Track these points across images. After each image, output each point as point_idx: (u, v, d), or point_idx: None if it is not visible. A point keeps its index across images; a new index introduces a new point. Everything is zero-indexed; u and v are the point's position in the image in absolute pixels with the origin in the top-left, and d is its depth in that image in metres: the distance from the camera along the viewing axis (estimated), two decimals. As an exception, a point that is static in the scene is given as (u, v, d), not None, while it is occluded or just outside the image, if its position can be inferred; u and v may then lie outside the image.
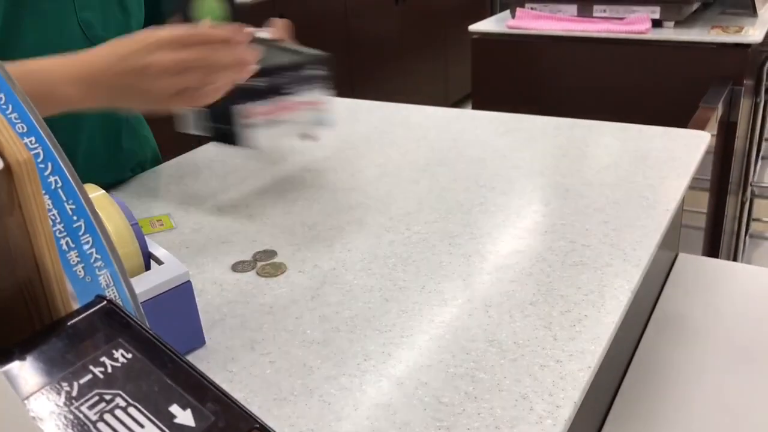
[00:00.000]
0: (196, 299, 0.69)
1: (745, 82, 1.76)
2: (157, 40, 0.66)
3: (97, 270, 0.41)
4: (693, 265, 1.07)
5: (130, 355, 0.35)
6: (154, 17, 0.97)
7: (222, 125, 0.83)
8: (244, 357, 0.61)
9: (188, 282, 0.59)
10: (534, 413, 0.52)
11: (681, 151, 0.98)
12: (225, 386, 0.57)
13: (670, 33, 1.80)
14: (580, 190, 0.88)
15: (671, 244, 1.09)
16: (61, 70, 0.68)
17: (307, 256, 0.76)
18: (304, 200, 0.90)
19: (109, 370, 0.34)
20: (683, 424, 0.78)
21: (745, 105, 1.87)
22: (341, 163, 1.01)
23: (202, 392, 0.34)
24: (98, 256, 0.41)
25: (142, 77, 0.66)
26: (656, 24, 1.83)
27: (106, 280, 0.42)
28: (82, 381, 0.33)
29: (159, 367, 0.35)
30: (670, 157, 0.96)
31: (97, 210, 0.58)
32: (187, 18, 0.74)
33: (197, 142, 1.13)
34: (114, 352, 0.35)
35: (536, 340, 0.60)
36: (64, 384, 0.32)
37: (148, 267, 0.61)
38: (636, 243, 0.75)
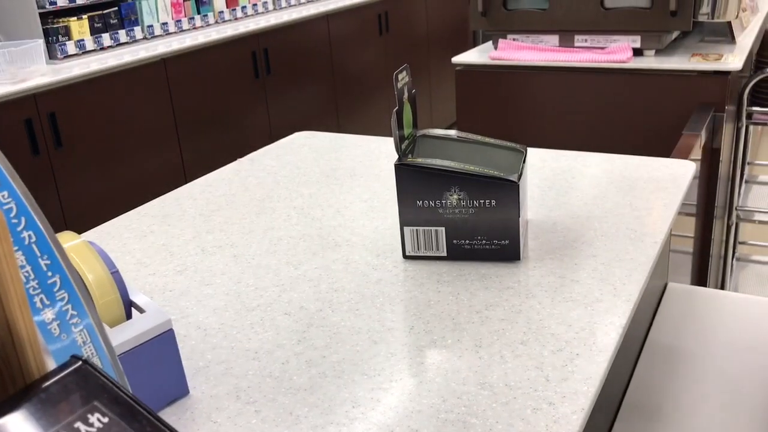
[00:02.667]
0: (179, 345, 0.67)
1: (726, 107, 1.78)
2: None
3: (73, 327, 0.40)
4: (682, 294, 1.06)
5: (106, 419, 0.33)
6: None
7: None
8: (229, 406, 0.59)
9: (170, 330, 0.58)
10: (528, 460, 0.51)
11: (666, 181, 0.98)
12: (209, 438, 0.55)
13: (651, 61, 1.81)
14: (568, 223, 0.88)
15: (660, 273, 1.08)
16: None
17: (293, 297, 0.75)
18: (289, 239, 0.89)
19: (84, 436, 0.32)
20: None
21: (727, 130, 1.88)
22: (327, 199, 1.01)
23: (183, 457, 0.33)
24: (74, 312, 0.40)
25: None
26: (637, 53, 1.85)
27: (82, 337, 0.40)
28: (55, 450, 0.31)
29: (137, 430, 0.34)
30: (656, 188, 0.96)
31: (76, 260, 0.57)
32: (399, 120, 0.77)
33: (185, 178, 1.12)
34: (89, 416, 0.33)
35: (528, 381, 0.59)
36: (36, 454, 0.31)
37: (129, 315, 0.59)
38: (625, 277, 0.75)
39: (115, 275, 0.58)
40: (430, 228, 0.79)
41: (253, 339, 0.68)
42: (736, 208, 2.25)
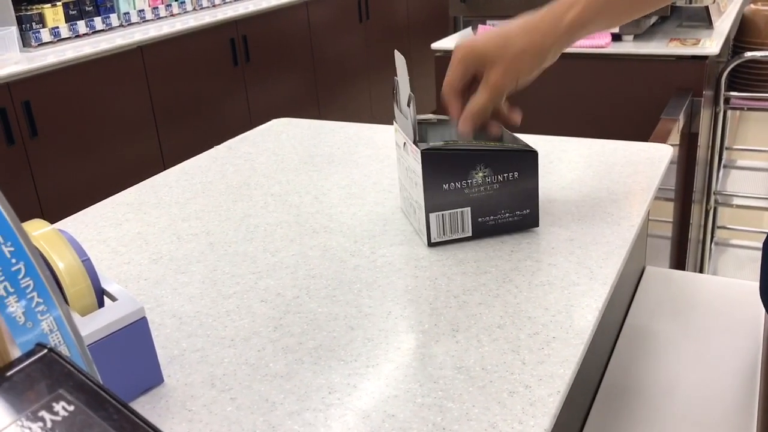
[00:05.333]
0: (154, 334, 0.67)
1: (704, 92, 1.79)
2: None
3: (39, 315, 0.39)
4: (660, 278, 1.07)
5: (72, 408, 0.33)
6: None
7: None
8: (204, 394, 0.58)
9: (143, 318, 0.57)
10: (504, 443, 0.51)
11: (644, 165, 0.99)
12: (184, 426, 0.55)
13: (629, 46, 1.82)
14: (546, 207, 0.88)
15: (638, 257, 1.09)
16: None
17: (269, 284, 0.75)
18: (266, 225, 0.88)
19: (49, 425, 0.32)
20: (656, 442, 0.78)
21: (705, 115, 1.89)
22: (304, 186, 1.00)
23: (151, 444, 0.32)
24: (40, 300, 0.39)
25: None
26: (616, 38, 1.85)
27: (49, 325, 0.40)
28: (18, 439, 0.31)
29: (104, 418, 0.33)
30: (634, 171, 0.97)
31: (46, 248, 0.56)
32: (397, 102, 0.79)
33: (163, 166, 1.11)
34: (54, 405, 0.33)
35: (505, 365, 0.59)
36: (-1, 444, 0.30)
37: (102, 304, 0.58)
38: (602, 260, 0.75)
39: (86, 263, 0.57)
40: (455, 210, 0.79)
41: (229, 326, 0.67)
42: (714, 193, 2.27)
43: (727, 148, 2.49)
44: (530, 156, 0.79)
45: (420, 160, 0.76)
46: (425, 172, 0.77)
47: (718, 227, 2.52)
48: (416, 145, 0.76)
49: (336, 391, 0.57)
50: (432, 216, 0.79)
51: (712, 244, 2.49)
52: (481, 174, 0.77)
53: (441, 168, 0.77)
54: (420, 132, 0.79)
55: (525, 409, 0.54)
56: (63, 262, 0.56)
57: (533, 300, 0.68)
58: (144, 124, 2.67)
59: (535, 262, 0.75)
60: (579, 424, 0.81)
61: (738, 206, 2.33)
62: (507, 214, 0.80)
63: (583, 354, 0.61)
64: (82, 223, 0.93)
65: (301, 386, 0.58)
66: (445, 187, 0.78)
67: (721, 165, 2.42)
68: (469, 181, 0.78)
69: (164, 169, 1.10)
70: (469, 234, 0.80)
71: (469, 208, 0.79)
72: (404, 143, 0.81)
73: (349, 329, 0.66)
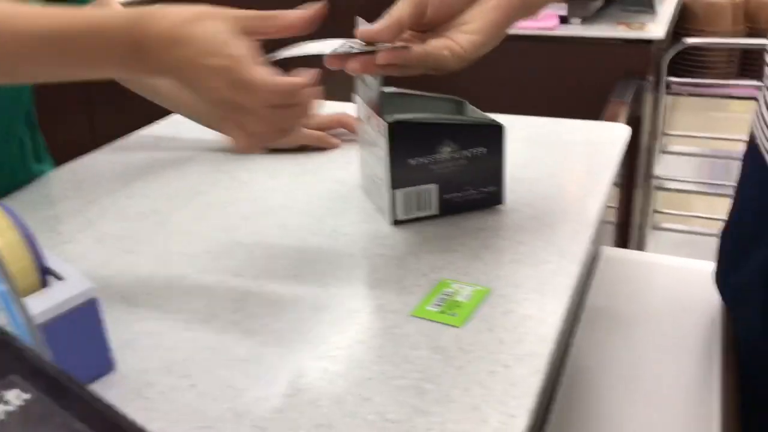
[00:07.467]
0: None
1: (648, 77, 1.81)
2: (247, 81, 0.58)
3: (-19, 292, 0.34)
4: (616, 258, 1.07)
5: (27, 396, 0.28)
6: None
7: None
8: (160, 381, 0.54)
9: (94, 299, 0.52)
10: (488, 425, 0.48)
11: (603, 144, 0.98)
12: (140, 415, 0.50)
13: (577, 29, 1.83)
14: (508, 185, 0.86)
15: (596, 237, 1.08)
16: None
17: (226, 264, 0.70)
18: (219, 203, 0.83)
19: (2, 416, 0.27)
20: (623, 421, 0.77)
21: (648, 100, 1.92)
22: (256, 161, 0.95)
23: (121, 435, 0.28)
24: (-17, 276, 0.34)
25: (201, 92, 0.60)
26: (564, 20, 1.86)
27: (-6, 304, 0.35)
28: (-35, 434, 0.26)
29: (65, 407, 0.29)
30: (593, 150, 0.96)
31: (-19, 220, 0.50)
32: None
33: (95, 144, 1.04)
34: (6, 393, 0.28)
35: (481, 344, 0.57)
36: (-58, 440, 0.26)
37: (45, 284, 0.53)
38: (570, 238, 0.73)
39: (29, 239, 0.51)
40: (422, 187, 0.76)
41: (185, 309, 0.63)
42: (654, 177, 2.32)
43: (664, 134, 2.54)
44: (497, 131, 0.77)
45: (386, 133, 0.72)
46: (392, 146, 0.73)
47: (655, 211, 2.58)
48: (382, 118, 0.73)
49: (306, 375, 0.54)
50: (397, 192, 0.75)
51: (650, 228, 2.54)
52: (448, 149, 0.75)
53: (408, 142, 0.73)
54: (384, 105, 0.76)
55: (506, 389, 0.52)
56: (2, 238, 0.51)
57: (504, 278, 0.66)
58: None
59: (503, 240, 0.73)
60: (545, 408, 0.80)
61: (677, 191, 2.38)
62: (473, 191, 0.78)
63: (560, 332, 0.59)
64: (16, 200, 0.86)
65: (268, 371, 0.54)
66: (412, 162, 0.74)
67: (659, 150, 2.47)
68: (436, 156, 0.75)
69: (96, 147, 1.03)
70: (436, 212, 0.77)
71: (435, 185, 0.76)
72: (368, 116, 0.78)
73: (316, 310, 0.62)
